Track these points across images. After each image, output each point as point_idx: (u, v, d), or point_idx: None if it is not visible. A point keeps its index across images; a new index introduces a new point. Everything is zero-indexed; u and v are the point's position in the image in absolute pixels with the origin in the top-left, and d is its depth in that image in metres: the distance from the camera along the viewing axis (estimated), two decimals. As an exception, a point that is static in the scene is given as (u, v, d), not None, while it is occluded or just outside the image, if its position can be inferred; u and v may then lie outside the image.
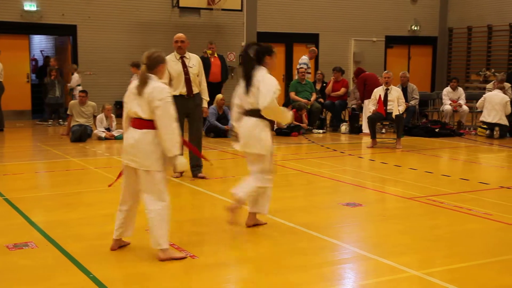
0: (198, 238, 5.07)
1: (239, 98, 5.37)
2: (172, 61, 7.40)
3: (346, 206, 6.27)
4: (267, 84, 5.14)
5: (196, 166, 7.82)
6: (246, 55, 5.34)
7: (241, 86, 5.32)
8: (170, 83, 7.44)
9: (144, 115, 4.42)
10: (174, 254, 4.52)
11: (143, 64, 4.54)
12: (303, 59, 14.25)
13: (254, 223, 5.45)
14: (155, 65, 4.51)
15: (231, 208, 5.25)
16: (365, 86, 12.77)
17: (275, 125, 12.61)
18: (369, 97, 11.78)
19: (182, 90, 7.48)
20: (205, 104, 7.80)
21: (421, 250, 4.79)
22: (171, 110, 4.38)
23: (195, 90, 7.59)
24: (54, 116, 14.89)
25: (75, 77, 15.13)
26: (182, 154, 4.57)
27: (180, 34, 7.63)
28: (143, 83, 4.44)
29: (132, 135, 4.49)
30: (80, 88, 14.83)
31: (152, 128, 4.42)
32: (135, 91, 4.47)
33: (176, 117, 4.44)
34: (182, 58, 7.56)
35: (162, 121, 4.34)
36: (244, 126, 5.30)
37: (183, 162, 4.48)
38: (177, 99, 7.59)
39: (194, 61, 7.63)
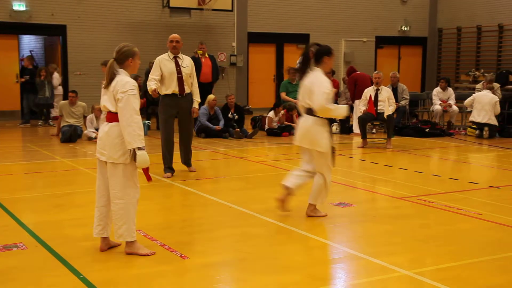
0: (189, 239, 5.06)
1: (300, 96, 5.75)
2: (165, 60, 7.62)
3: (336, 206, 6.28)
4: (319, 86, 5.46)
5: (187, 160, 8.16)
6: (307, 56, 5.65)
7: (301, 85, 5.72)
8: (162, 82, 7.61)
9: (112, 108, 4.51)
10: (139, 249, 4.58)
11: (112, 58, 4.60)
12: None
13: (313, 214, 5.80)
14: (123, 59, 4.58)
15: (281, 199, 5.76)
16: (356, 86, 12.82)
17: (266, 125, 12.63)
18: (359, 97, 11.82)
19: (174, 89, 7.62)
20: (195, 105, 7.88)
21: (412, 249, 4.81)
22: (133, 103, 4.42)
23: (187, 89, 7.73)
24: (44, 116, 14.81)
25: (56, 77, 15.03)
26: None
27: (175, 35, 7.80)
28: (109, 77, 4.53)
29: (103, 128, 4.60)
30: (61, 88, 14.76)
31: (118, 121, 4.49)
32: (104, 85, 4.59)
33: (138, 112, 4.46)
34: (175, 58, 7.70)
35: (123, 113, 4.41)
36: (303, 124, 5.73)
37: (145, 159, 4.44)
38: (169, 97, 7.67)
39: (187, 61, 7.79)
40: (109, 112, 4.56)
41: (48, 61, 17.53)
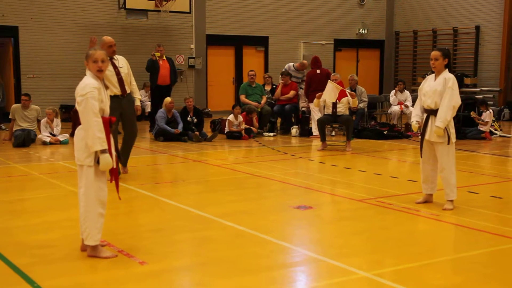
0: (148, 244, 4.98)
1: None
2: None
3: (296, 209, 6.28)
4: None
5: (125, 160, 8.24)
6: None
7: None
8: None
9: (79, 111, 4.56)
10: (101, 253, 4.57)
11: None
12: (290, 67, 14.10)
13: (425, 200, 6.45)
14: (85, 61, 4.64)
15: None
16: (310, 87, 12.77)
17: (226, 128, 12.58)
18: (312, 99, 11.88)
19: (115, 90, 7.71)
20: (137, 102, 8.10)
21: (371, 251, 4.84)
22: (92, 106, 4.42)
23: (128, 89, 7.90)
24: None
25: None
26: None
27: (111, 38, 7.86)
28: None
29: (76, 131, 4.66)
30: None
31: None
32: None
33: (98, 114, 4.45)
34: (111, 59, 7.73)
35: (82, 117, 4.46)
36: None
37: (107, 161, 4.47)
38: (112, 99, 7.59)
39: (122, 62, 7.93)
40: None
41: (-1, 63, 17.09)
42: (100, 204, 4.56)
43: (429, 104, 6.22)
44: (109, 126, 4.57)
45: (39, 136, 11.37)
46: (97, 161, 4.48)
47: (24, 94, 12.12)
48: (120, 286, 4.04)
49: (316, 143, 11.62)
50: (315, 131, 12.54)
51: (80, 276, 4.24)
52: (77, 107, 4.52)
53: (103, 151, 4.44)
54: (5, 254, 4.63)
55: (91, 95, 4.42)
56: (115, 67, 7.72)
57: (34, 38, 15.87)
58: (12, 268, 4.34)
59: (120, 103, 7.73)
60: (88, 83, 4.49)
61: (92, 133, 4.41)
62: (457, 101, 6.12)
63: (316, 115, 12.41)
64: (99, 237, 4.57)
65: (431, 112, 6.21)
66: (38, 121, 11.61)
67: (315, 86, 12.55)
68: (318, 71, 12.89)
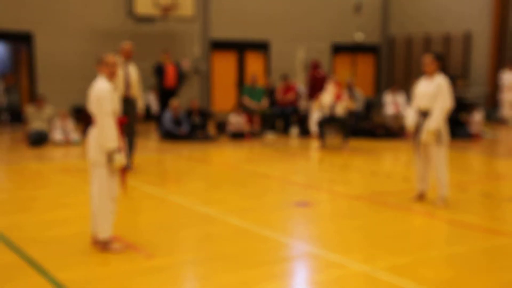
0: (154, 239, 5.17)
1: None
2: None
3: (296, 206, 6.47)
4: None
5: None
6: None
7: None
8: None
9: (92, 112, 4.75)
10: (111, 247, 4.78)
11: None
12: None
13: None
14: (97, 65, 4.83)
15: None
16: (315, 87, 12.97)
17: (228, 128, 12.80)
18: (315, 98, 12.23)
19: (120, 92, 8.03)
20: (140, 106, 8.49)
21: (367, 246, 5.03)
22: (105, 108, 4.63)
23: (132, 93, 8.30)
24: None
25: None
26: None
27: (130, 45, 8.42)
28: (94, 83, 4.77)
29: (89, 131, 4.86)
30: None
31: None
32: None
33: (110, 114, 4.67)
34: (125, 63, 8.31)
35: (97, 117, 4.66)
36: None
37: (121, 160, 4.71)
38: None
39: (132, 67, 8.38)
40: (93, 116, 4.78)
41: (14, 67, 17.34)
42: (111, 202, 4.80)
43: (422, 106, 6.39)
44: (121, 126, 4.81)
45: (52, 136, 11.58)
46: (110, 160, 4.69)
47: (39, 95, 12.30)
48: (128, 279, 4.24)
49: (315, 142, 11.78)
50: (313, 131, 12.82)
51: (91, 269, 4.46)
52: (90, 108, 4.72)
53: (116, 150, 4.67)
54: (20, 248, 4.84)
55: (105, 97, 4.65)
56: (126, 70, 8.18)
57: (47, 43, 16.17)
58: (26, 260, 4.55)
59: (123, 105, 8.03)
60: (101, 85, 4.71)
61: (106, 133, 4.62)
62: (450, 104, 6.28)
63: (315, 116, 12.63)
64: (111, 233, 4.81)
65: (424, 114, 6.39)
66: (52, 121, 11.83)
67: (318, 88, 12.78)
68: (319, 73, 13.15)
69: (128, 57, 8.27)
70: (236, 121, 12.79)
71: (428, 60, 6.33)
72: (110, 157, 4.68)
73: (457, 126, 13.18)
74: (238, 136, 12.60)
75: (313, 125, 12.75)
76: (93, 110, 4.69)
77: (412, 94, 6.70)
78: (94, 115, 4.69)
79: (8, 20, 15.72)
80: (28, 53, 16.10)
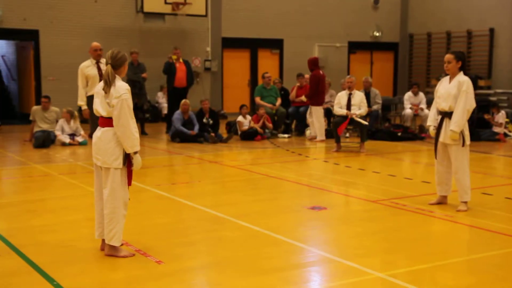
0: (164, 243, 5.06)
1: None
2: (88, 66, 8.82)
3: (311, 209, 6.34)
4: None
5: None
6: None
7: None
8: (87, 84, 8.73)
9: (104, 113, 4.59)
10: (120, 252, 4.65)
11: (108, 64, 4.64)
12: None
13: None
14: (120, 65, 4.66)
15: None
16: (318, 86, 12.65)
17: (238, 130, 12.66)
18: (318, 98, 12.30)
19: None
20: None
21: (385, 252, 4.88)
22: (127, 108, 4.50)
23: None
24: None
25: None
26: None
27: (97, 44, 9.03)
28: (110, 82, 4.57)
29: (96, 133, 4.68)
30: None
31: (111, 126, 4.56)
32: (102, 91, 4.62)
33: (133, 115, 4.57)
34: (97, 63, 8.78)
35: (119, 119, 4.51)
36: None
37: (140, 161, 4.65)
38: (90, 98, 7.92)
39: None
40: (102, 117, 4.63)
41: (20, 66, 17.32)
42: (124, 206, 4.65)
43: (443, 106, 6.25)
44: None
45: (59, 137, 11.52)
46: (124, 163, 4.56)
47: (44, 96, 12.29)
48: (138, 285, 4.12)
49: (331, 144, 11.61)
50: (313, 133, 12.61)
51: (99, 275, 4.34)
52: (109, 109, 4.55)
53: (136, 152, 4.56)
54: (25, 253, 4.73)
55: (126, 96, 4.51)
56: (99, 69, 8.71)
57: (54, 42, 16.09)
58: (33, 266, 4.44)
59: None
60: (120, 85, 4.56)
61: (130, 134, 4.49)
62: (472, 105, 6.14)
63: (316, 120, 12.42)
64: (122, 238, 4.67)
65: (446, 115, 6.24)
66: (58, 122, 11.77)
67: (321, 87, 12.57)
68: (321, 71, 12.85)
69: (97, 55, 8.76)
70: (243, 120, 12.68)
71: (448, 60, 6.22)
72: (125, 159, 4.56)
73: (480, 127, 12.99)
74: (250, 136, 12.44)
75: (311, 126, 12.57)
76: (114, 112, 4.52)
77: (434, 93, 6.56)
78: (114, 116, 4.52)
79: (15, 19, 15.69)
80: (35, 52, 16.05)
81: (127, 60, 4.72)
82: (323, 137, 12.39)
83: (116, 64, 4.63)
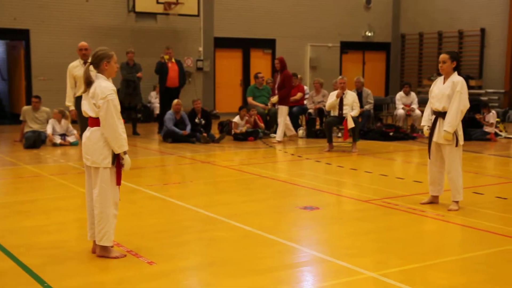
0: (156, 244, 5.04)
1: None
2: (77, 67, 8.71)
3: (303, 209, 6.33)
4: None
5: None
6: None
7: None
8: (75, 85, 8.66)
9: (92, 113, 4.56)
10: (111, 253, 4.62)
11: (88, 62, 4.62)
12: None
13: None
14: (98, 62, 4.59)
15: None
16: (285, 84, 12.33)
17: (232, 130, 12.64)
18: (286, 98, 12.15)
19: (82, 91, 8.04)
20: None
21: (377, 251, 4.88)
22: (114, 109, 4.47)
23: None
24: None
25: None
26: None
27: (84, 43, 8.95)
28: (86, 81, 4.55)
29: (86, 133, 4.66)
30: None
31: (99, 126, 4.54)
32: (82, 90, 4.65)
33: (119, 115, 4.54)
34: (85, 63, 8.39)
35: (106, 120, 4.47)
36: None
37: (129, 161, 4.63)
38: (79, 98, 7.85)
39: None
40: (90, 117, 4.60)
41: (10, 66, 17.22)
42: (114, 206, 4.63)
43: (437, 107, 6.26)
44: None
45: (50, 137, 11.46)
46: (113, 162, 4.53)
47: (35, 96, 12.22)
48: (130, 286, 4.09)
49: (323, 144, 11.60)
50: (279, 136, 12.26)
51: (91, 276, 4.30)
52: (96, 110, 4.51)
53: (125, 152, 4.54)
54: (15, 255, 4.69)
55: (111, 97, 4.47)
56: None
57: (45, 41, 16.00)
58: (23, 268, 4.40)
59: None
60: (105, 85, 4.51)
61: (118, 135, 4.46)
62: (466, 105, 6.16)
63: (280, 118, 12.22)
64: (113, 238, 4.64)
65: (440, 115, 6.25)
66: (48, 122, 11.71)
67: (291, 87, 12.48)
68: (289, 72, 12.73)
69: (83, 55, 8.70)
70: (239, 122, 12.65)
71: (443, 60, 6.22)
72: (114, 159, 4.53)
73: (471, 127, 13.03)
74: (240, 137, 12.41)
75: (280, 126, 12.30)
76: (100, 113, 4.49)
77: (428, 94, 6.57)
78: (101, 116, 4.49)
79: (6, 19, 15.59)
80: (26, 52, 15.96)
81: (109, 58, 4.58)
82: (281, 138, 12.22)
83: (94, 62, 4.58)
